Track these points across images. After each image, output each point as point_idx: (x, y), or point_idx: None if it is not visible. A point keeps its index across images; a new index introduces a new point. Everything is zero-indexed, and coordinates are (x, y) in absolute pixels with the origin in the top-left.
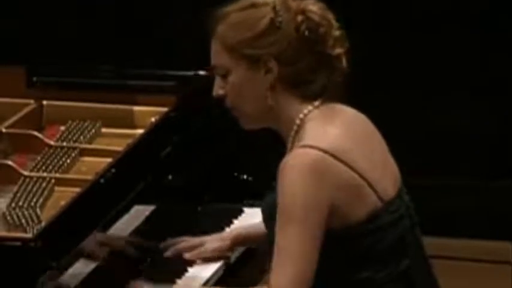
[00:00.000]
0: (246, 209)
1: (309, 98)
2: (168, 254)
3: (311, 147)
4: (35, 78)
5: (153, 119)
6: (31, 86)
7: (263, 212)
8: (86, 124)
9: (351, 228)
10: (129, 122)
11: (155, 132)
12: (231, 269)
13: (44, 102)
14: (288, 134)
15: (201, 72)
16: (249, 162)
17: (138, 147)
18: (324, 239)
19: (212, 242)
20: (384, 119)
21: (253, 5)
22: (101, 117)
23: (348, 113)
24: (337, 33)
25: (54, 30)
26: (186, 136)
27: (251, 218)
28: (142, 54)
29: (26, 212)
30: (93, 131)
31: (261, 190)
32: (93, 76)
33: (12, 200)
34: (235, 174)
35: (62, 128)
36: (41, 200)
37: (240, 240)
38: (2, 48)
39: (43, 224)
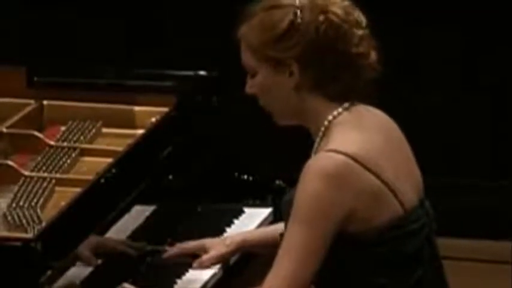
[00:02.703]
0: (246, 209)
1: (336, 99)
2: (169, 257)
3: (337, 151)
4: (35, 78)
5: (153, 119)
6: (31, 86)
7: (282, 210)
8: (87, 124)
9: (371, 235)
10: (129, 122)
11: (155, 132)
12: (230, 271)
13: (45, 102)
14: (316, 134)
15: (201, 72)
16: (249, 162)
17: (139, 148)
18: (343, 243)
19: (217, 247)
20: None
21: (276, 6)
22: (101, 117)
23: (377, 118)
24: (360, 32)
25: (54, 30)
26: (186, 136)
27: (251, 218)
28: (142, 54)
29: (26, 212)
30: (94, 131)
31: (261, 190)
32: (94, 76)
33: (12, 200)
34: (235, 174)
35: (63, 128)
36: (41, 200)
37: (245, 246)
38: (2, 48)
39: (43, 224)
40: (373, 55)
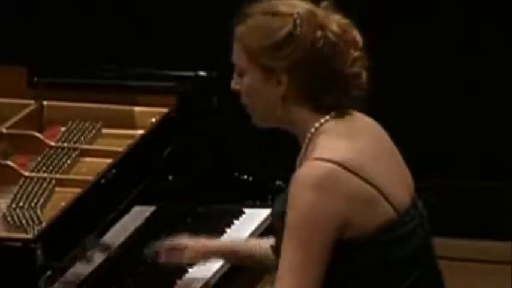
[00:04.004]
0: (246, 210)
1: (323, 110)
2: (154, 252)
3: (324, 160)
4: (35, 79)
5: (153, 120)
6: (32, 87)
7: (272, 221)
8: (87, 125)
9: (365, 240)
10: (129, 122)
11: (156, 132)
12: (231, 270)
13: (45, 102)
14: (302, 141)
15: (201, 73)
16: (249, 162)
17: (139, 148)
18: (338, 249)
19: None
20: (379, 122)
21: (276, 13)
22: (101, 118)
23: (363, 123)
24: (356, 53)
25: (55, 30)
26: (186, 136)
27: (251, 218)
28: (142, 54)
29: (26, 213)
30: (94, 131)
31: (261, 190)
32: (94, 76)
33: (12, 200)
34: (235, 174)
35: (63, 128)
36: (41, 200)
37: (222, 254)
38: (2, 48)
39: (43, 224)
40: (364, 75)
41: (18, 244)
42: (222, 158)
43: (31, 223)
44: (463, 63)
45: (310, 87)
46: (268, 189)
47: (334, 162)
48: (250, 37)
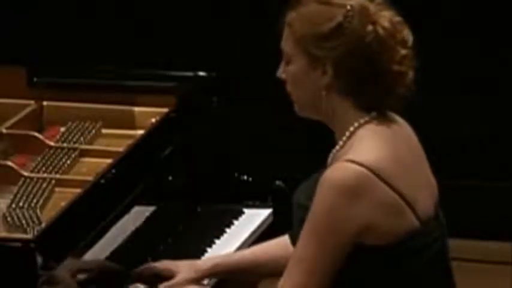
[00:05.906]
0: (246, 210)
1: (365, 108)
2: (137, 276)
3: (356, 163)
4: (35, 79)
5: (153, 120)
6: (31, 87)
7: (293, 211)
8: (86, 125)
9: (384, 247)
10: (129, 122)
11: (155, 133)
12: None
13: (44, 103)
14: (339, 137)
15: (201, 73)
16: (249, 162)
17: (139, 148)
18: (356, 254)
19: (182, 274)
20: None
21: (329, 3)
22: (101, 118)
23: (399, 128)
24: (404, 51)
25: (55, 30)
26: (186, 137)
27: (251, 219)
28: (142, 54)
29: (26, 213)
30: (94, 131)
31: (261, 191)
32: (94, 77)
33: (12, 200)
34: (235, 174)
35: (62, 128)
36: (41, 200)
37: (216, 272)
38: (2, 48)
39: (43, 225)
40: (411, 75)
41: (18, 244)
42: (222, 158)
43: (31, 223)
44: (468, 60)
45: (355, 81)
46: (268, 190)
47: (366, 167)
48: (300, 24)
